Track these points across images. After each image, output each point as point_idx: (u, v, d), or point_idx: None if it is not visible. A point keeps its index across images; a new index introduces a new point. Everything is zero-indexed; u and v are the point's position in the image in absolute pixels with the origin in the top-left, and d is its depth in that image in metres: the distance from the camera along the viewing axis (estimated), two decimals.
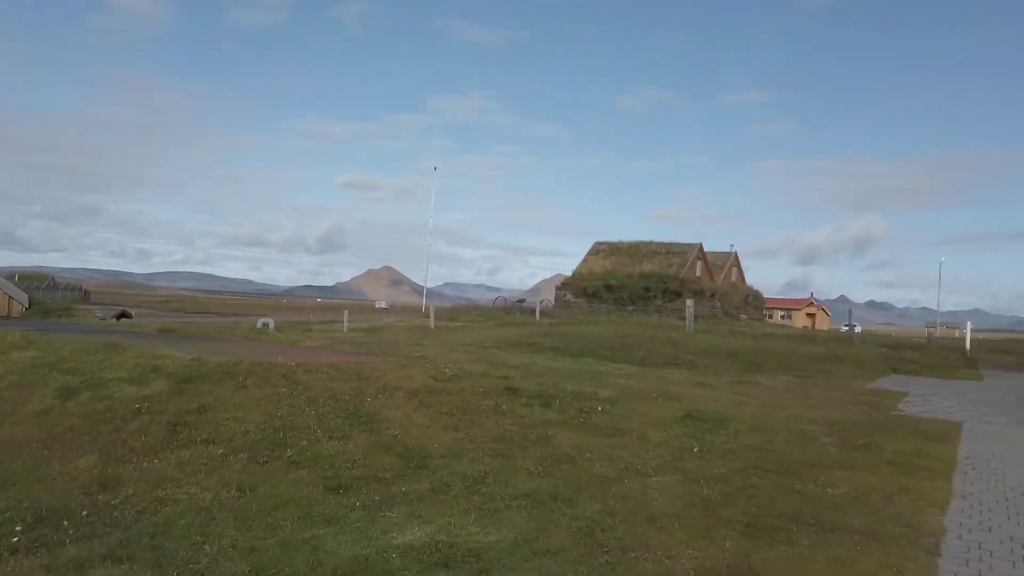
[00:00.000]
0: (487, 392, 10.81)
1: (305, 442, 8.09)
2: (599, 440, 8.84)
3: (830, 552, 5.37)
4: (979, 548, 5.69)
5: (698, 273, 58.25)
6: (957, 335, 34.46)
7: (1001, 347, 41.23)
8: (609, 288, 54.62)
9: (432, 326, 31.30)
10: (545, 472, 7.42)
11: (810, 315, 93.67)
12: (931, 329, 50.36)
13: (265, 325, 23.31)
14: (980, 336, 76.07)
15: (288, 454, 7.70)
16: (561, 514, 6.17)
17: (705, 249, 61.36)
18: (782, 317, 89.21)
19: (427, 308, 33.51)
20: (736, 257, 66.74)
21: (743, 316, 56.82)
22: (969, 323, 32.21)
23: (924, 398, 15.56)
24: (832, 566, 5.14)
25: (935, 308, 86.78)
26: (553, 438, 8.82)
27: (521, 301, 47.82)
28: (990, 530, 6.17)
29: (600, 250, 61.61)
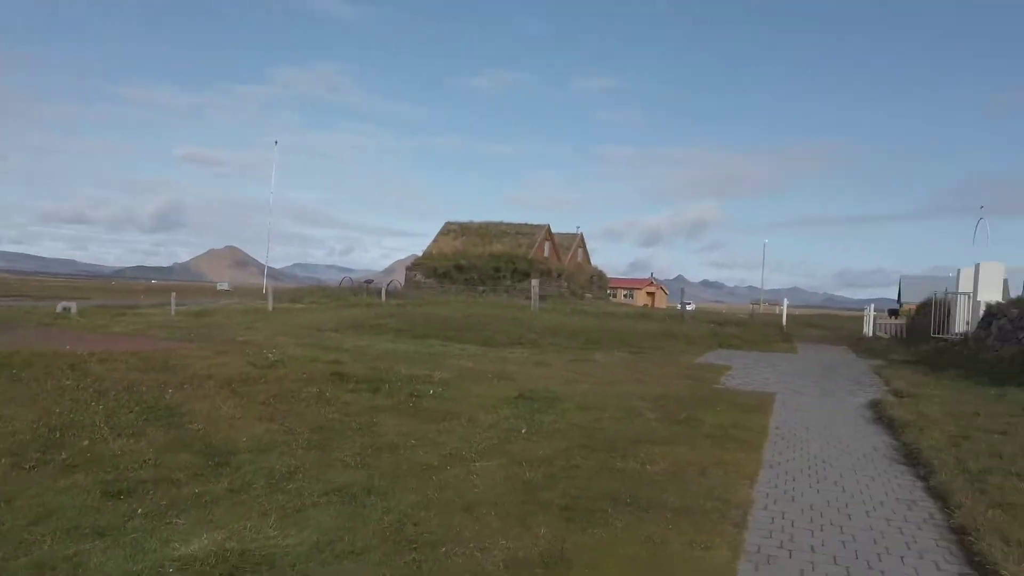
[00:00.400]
0: (311, 378, 10.14)
1: (86, 441, 7.10)
2: (427, 425, 8.46)
3: (643, 532, 5.29)
4: (783, 518, 5.86)
5: (546, 254, 59.44)
6: (777, 311, 37.41)
7: (813, 322, 45.22)
8: (460, 268, 54.51)
9: (270, 308, 29.69)
10: (363, 463, 6.93)
11: (650, 294, 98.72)
12: (755, 306, 54.40)
13: (66, 309, 20.94)
14: (797, 312, 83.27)
15: (63, 456, 6.69)
16: (373, 509, 5.73)
17: (553, 231, 62.72)
18: (625, 296, 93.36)
19: (267, 289, 31.74)
20: (582, 238, 68.77)
21: (588, 296, 58.70)
22: (786, 300, 34.92)
23: (744, 371, 16.50)
24: (644, 547, 5.06)
25: (760, 287, 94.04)
26: (378, 425, 8.34)
27: (369, 282, 46.57)
28: (793, 499, 6.40)
29: (451, 230, 61.30)
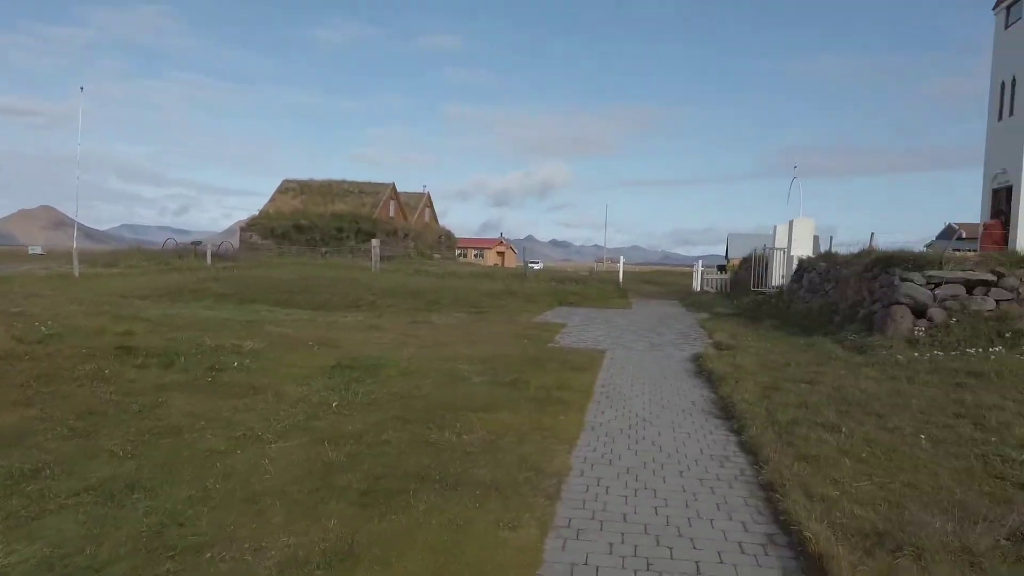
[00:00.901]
0: (92, 354, 8.82)
1: None
2: (223, 403, 7.53)
3: (447, 514, 4.80)
4: (598, 485, 5.59)
5: (392, 213, 57.96)
6: (615, 268, 38.57)
7: (649, 278, 47.28)
8: (300, 229, 51.97)
9: (76, 274, 26.65)
10: (134, 452, 5.95)
11: (500, 254, 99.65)
12: (599, 263, 56.16)
13: None
14: (636, 269, 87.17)
15: None
16: (133, 509, 4.84)
17: (400, 190, 61.20)
18: (476, 256, 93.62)
19: (74, 252, 28.47)
20: (429, 198, 67.69)
21: (436, 256, 58.05)
22: (622, 258, 36.04)
23: (580, 328, 16.59)
24: (445, 532, 4.57)
25: (603, 245, 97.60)
26: (164, 405, 7.30)
27: (197, 243, 43.26)
28: (611, 462, 6.17)
29: (289, 188, 58.18)
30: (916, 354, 10.68)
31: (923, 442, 6.47)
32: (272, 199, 57.14)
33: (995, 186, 22.51)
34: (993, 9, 23.23)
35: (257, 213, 55.00)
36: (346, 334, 12.75)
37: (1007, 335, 11.18)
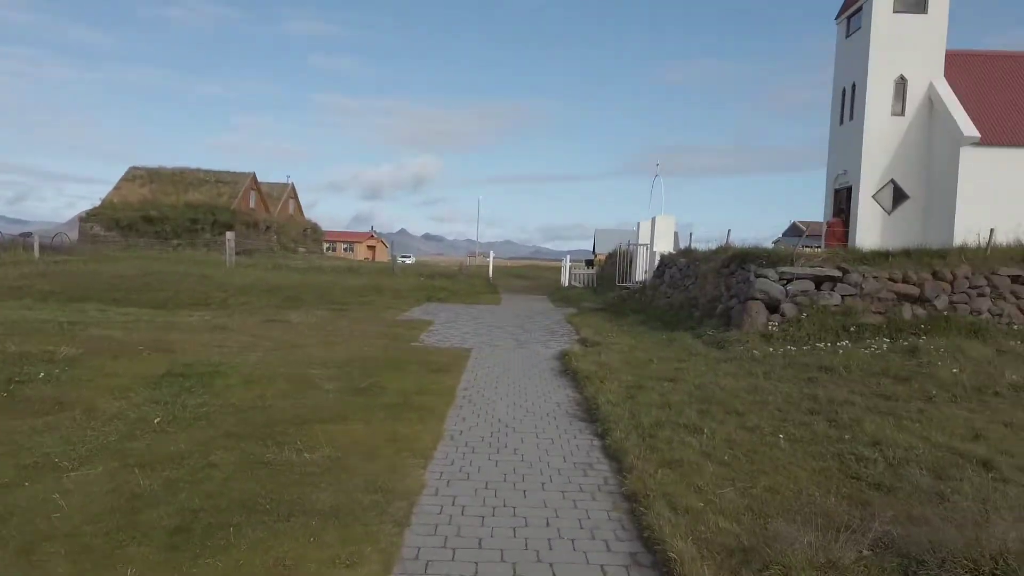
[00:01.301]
0: None
1: None
2: (20, 422, 6.41)
3: (273, 553, 4.13)
4: (453, 505, 5.09)
5: (252, 205, 54.98)
6: (485, 263, 38.28)
7: (521, 273, 47.51)
8: (149, 220, 48.13)
9: None
10: None
11: (371, 247, 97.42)
12: (471, 257, 55.83)
13: None
14: (507, 263, 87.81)
15: None
16: None
17: (264, 180, 58.19)
18: (345, 250, 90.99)
19: None
20: (293, 189, 64.88)
21: (301, 250, 55.66)
22: (492, 252, 35.84)
23: (446, 326, 16.07)
24: (270, 574, 3.90)
25: (476, 239, 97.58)
26: None
27: (26, 235, 39.00)
28: (469, 476, 5.69)
29: (137, 176, 53.82)
30: (771, 349, 10.97)
31: (782, 442, 6.44)
32: (117, 187, 52.64)
33: (837, 186, 24.07)
34: (836, 19, 24.80)
35: (100, 203, 50.53)
36: (186, 336, 11.56)
37: (852, 329, 11.72)
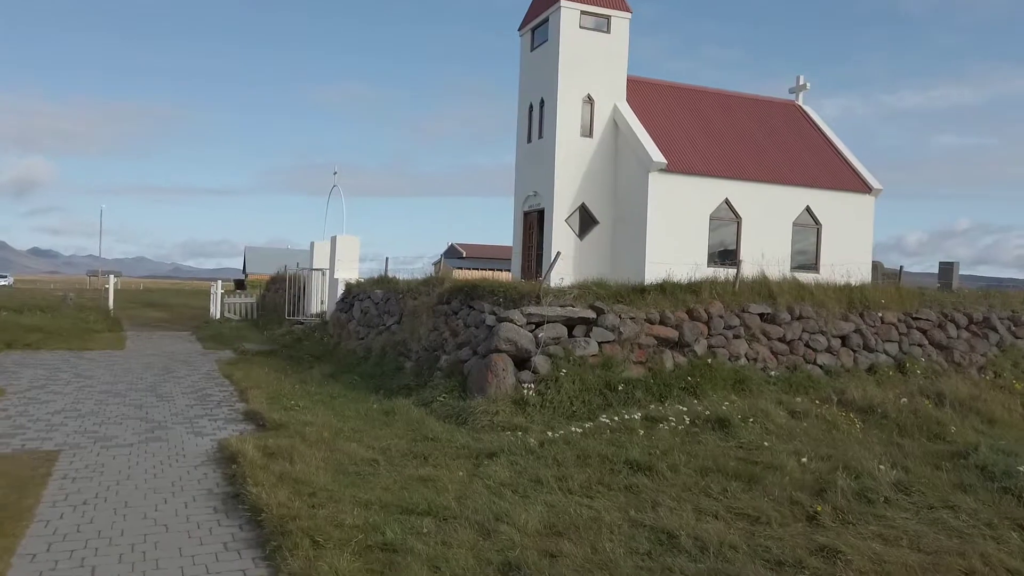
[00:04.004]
0: None
1: None
2: None
3: None
4: None
5: None
6: (104, 290, 29.64)
7: (157, 299, 39.37)
8: None
9: None
10: None
11: None
12: (93, 277, 44.95)
13: None
14: (141, 284, 75.42)
15: None
16: None
17: None
18: None
19: None
20: None
21: None
22: (112, 277, 28.12)
23: (27, 396, 10.26)
24: None
25: (99, 255, 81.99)
26: None
27: None
28: None
29: None
30: (536, 424, 7.79)
31: None
32: None
33: (526, 208, 22.57)
34: (519, 30, 23.43)
35: None
36: None
37: (619, 388, 9.18)
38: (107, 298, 26.49)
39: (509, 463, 6.72)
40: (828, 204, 21.85)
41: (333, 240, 18.90)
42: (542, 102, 21.56)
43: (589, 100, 21.16)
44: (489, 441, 7.57)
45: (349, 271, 18.21)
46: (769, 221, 21.00)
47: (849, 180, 22.59)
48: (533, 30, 22.40)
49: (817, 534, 5.17)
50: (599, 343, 9.79)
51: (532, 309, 9.68)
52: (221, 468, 6.98)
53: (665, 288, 10.84)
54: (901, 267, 24.46)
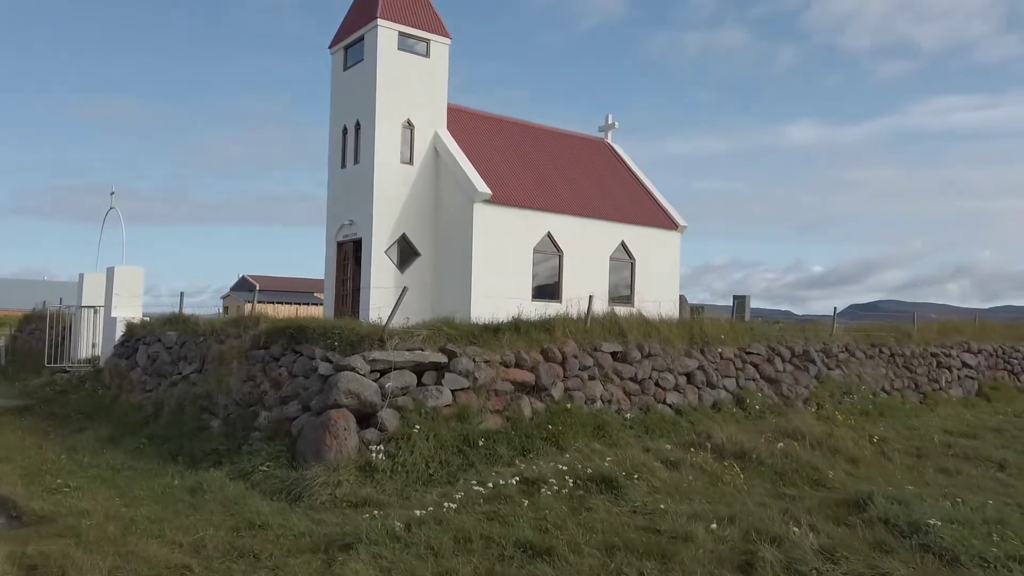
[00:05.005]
0: None
1: None
2: None
3: None
4: None
5: None
6: None
7: None
8: None
9: None
10: None
11: None
12: None
13: None
14: None
15: None
16: None
17: None
18: None
19: None
20: None
21: None
22: None
23: None
24: None
25: None
26: None
27: None
28: None
29: None
30: (418, 511, 6.30)
31: None
32: None
33: (341, 238, 20.82)
34: (330, 48, 21.83)
35: None
36: None
37: (480, 443, 7.99)
38: None
39: (372, 558, 5.27)
40: (640, 239, 22.44)
41: (110, 271, 15.93)
42: (358, 125, 20.08)
43: (409, 125, 20.04)
44: (336, 524, 6.04)
45: (131, 308, 15.37)
46: (589, 255, 21.10)
47: (658, 217, 23.43)
48: (346, 48, 20.93)
49: None
50: (452, 391, 8.56)
51: (377, 354, 8.25)
52: None
53: (520, 327, 9.89)
54: (704, 305, 25.82)
